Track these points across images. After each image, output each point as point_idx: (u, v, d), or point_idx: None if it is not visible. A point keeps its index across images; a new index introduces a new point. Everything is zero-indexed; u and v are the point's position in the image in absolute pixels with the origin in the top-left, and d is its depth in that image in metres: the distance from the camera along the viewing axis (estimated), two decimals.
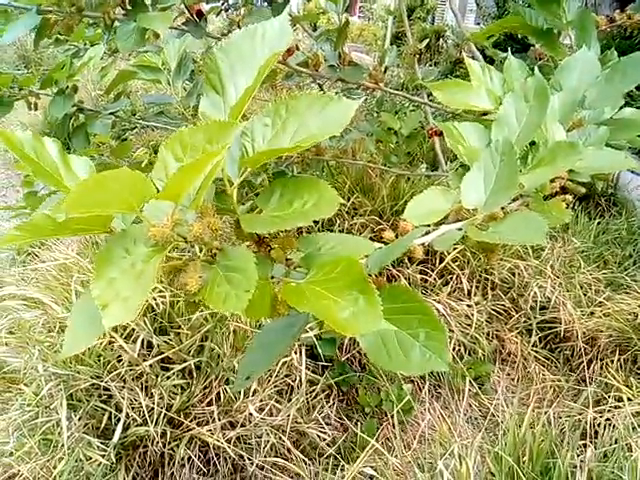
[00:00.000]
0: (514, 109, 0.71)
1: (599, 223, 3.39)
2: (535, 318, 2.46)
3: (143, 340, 1.41)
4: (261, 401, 1.63)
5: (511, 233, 0.54)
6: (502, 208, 0.67)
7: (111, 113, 1.47)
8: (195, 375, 1.52)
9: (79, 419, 1.44)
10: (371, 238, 2.35)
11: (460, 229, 0.62)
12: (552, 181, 0.76)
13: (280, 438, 1.67)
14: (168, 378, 1.44)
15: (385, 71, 1.59)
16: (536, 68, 0.72)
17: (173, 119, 1.66)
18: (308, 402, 1.95)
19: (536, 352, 2.45)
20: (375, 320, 0.38)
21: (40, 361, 1.36)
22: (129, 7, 1.10)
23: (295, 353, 1.67)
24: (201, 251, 0.41)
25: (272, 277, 0.46)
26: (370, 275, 0.59)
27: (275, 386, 1.71)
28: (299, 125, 0.42)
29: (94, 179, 0.31)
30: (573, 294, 2.52)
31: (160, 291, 1.46)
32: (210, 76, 0.45)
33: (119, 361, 1.43)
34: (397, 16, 5.10)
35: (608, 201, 3.99)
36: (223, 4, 2.31)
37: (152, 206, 0.41)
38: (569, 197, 0.73)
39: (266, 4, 2.08)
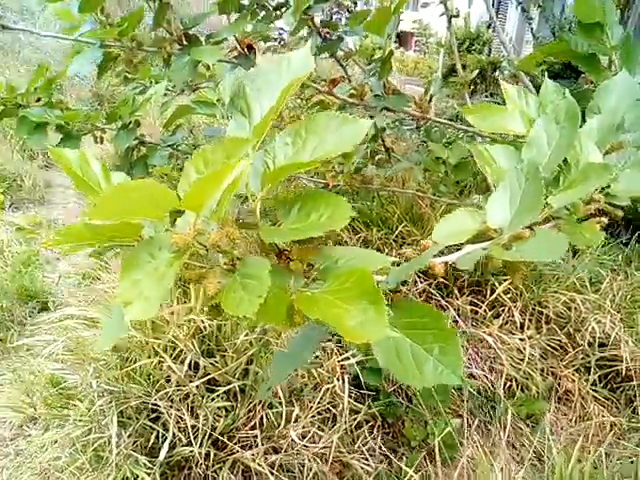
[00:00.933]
0: (545, 131, 0.71)
1: None
2: (594, 355, 2.34)
3: (191, 361, 1.46)
4: (303, 427, 1.63)
5: (532, 252, 0.54)
6: (531, 229, 0.67)
7: (169, 145, 1.56)
8: (240, 398, 1.55)
9: (128, 436, 1.49)
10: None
11: (485, 249, 0.62)
12: (588, 203, 0.75)
13: (322, 467, 1.66)
14: (213, 400, 1.48)
15: (430, 100, 1.61)
16: (567, 90, 0.72)
17: None
18: (352, 432, 1.93)
19: (595, 391, 2.32)
20: (381, 329, 0.40)
21: (94, 378, 1.43)
22: (185, 42, 1.18)
23: (338, 380, 1.67)
24: (224, 260, 0.44)
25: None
26: (391, 291, 0.60)
27: (318, 413, 1.71)
28: (318, 142, 0.45)
29: (118, 188, 0.35)
30: (635, 331, 2.39)
31: (208, 314, 1.51)
32: (238, 101, 0.49)
33: (168, 381, 1.48)
34: (448, 48, 5.13)
35: None
36: (280, 42, 2.42)
37: (181, 219, 0.44)
38: (604, 220, 0.72)
39: (320, 40, 2.17)
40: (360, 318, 0.41)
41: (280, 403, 1.58)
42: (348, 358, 1.78)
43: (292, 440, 1.60)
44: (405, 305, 0.52)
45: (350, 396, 2.02)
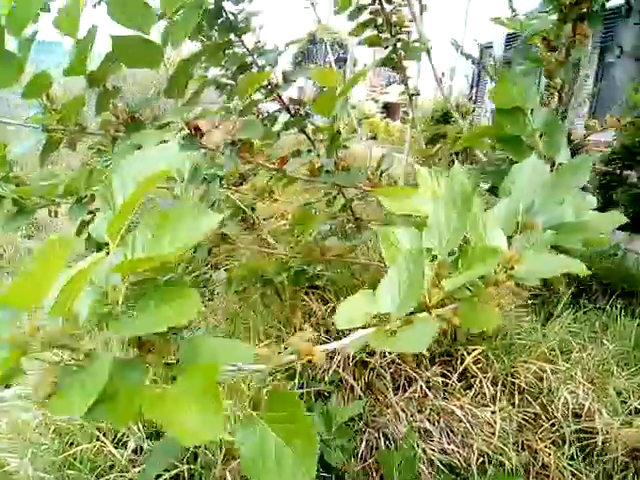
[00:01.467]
0: (443, 214, 0.73)
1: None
2: (568, 427, 2.28)
3: (135, 445, 1.41)
4: None
5: (402, 342, 0.54)
6: (429, 312, 0.67)
7: None
8: None
9: None
10: None
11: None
12: (495, 284, 0.75)
13: None
14: None
15: (381, 175, 1.66)
16: (457, 174, 0.75)
17: None
18: None
19: (572, 466, 2.24)
20: (216, 430, 0.39)
21: (31, 463, 1.37)
22: (130, 126, 1.22)
23: None
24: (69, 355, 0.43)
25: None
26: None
27: None
28: (173, 235, 0.46)
29: None
30: (609, 401, 2.34)
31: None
32: (104, 192, 0.50)
33: (111, 467, 1.41)
34: (425, 121, 5.35)
35: None
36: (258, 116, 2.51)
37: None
38: (503, 302, 0.72)
39: (289, 116, 2.26)
40: (199, 418, 0.40)
41: None
42: None
43: None
44: (276, 398, 0.51)
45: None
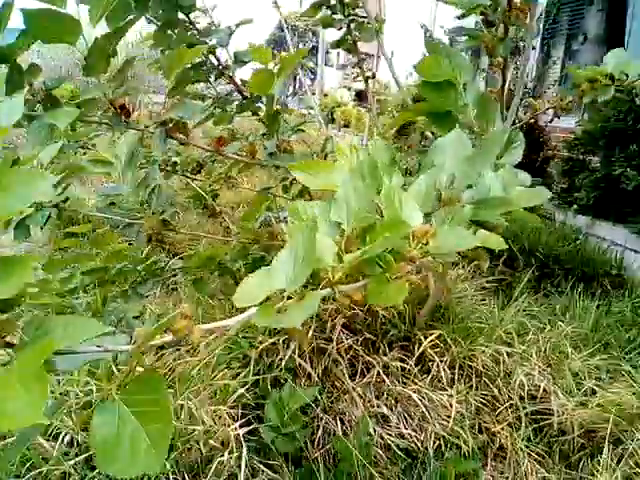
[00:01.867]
0: (352, 188, 0.69)
1: (599, 306, 3.26)
2: (524, 409, 2.30)
3: (66, 438, 1.35)
4: None
5: (286, 318, 0.50)
6: (332, 288, 0.64)
7: (54, 205, 1.51)
8: None
9: None
10: (344, 324, 2.26)
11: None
12: (405, 259, 0.72)
13: None
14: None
15: (326, 157, 1.62)
16: (376, 148, 0.71)
17: (125, 210, 1.70)
18: None
19: (529, 447, 2.26)
20: (35, 415, 0.35)
21: None
22: (48, 104, 1.16)
23: (231, 452, 1.56)
24: None
25: None
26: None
27: None
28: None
29: None
30: (565, 383, 2.37)
31: (86, 384, 1.42)
32: None
33: (44, 459, 1.36)
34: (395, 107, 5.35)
35: (613, 282, 3.86)
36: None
37: None
38: (413, 277, 0.69)
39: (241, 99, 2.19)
40: (22, 401, 0.36)
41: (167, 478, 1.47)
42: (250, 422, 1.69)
43: None
44: (139, 381, 0.47)
45: (266, 466, 1.92)
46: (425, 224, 0.74)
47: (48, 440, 1.32)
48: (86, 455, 1.37)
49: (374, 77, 2.56)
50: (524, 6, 1.18)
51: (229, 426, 1.57)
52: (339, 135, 10.50)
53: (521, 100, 1.76)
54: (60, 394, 1.54)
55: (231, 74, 2.15)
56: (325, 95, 16.28)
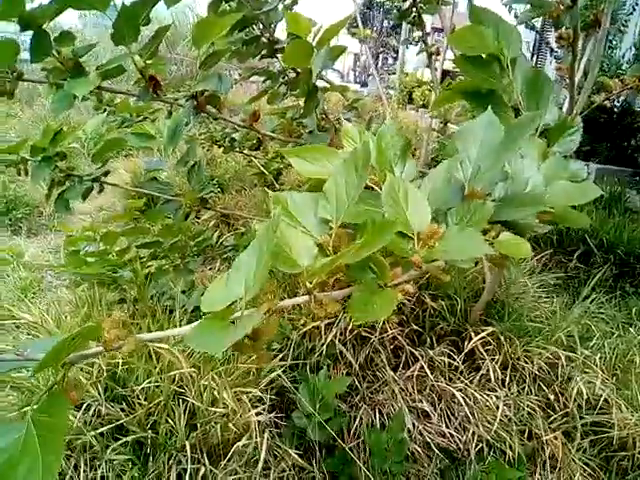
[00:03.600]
0: (344, 181, 0.60)
1: None
2: (581, 419, 2.11)
3: (95, 408, 1.37)
4: None
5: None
6: (311, 295, 0.56)
7: (94, 179, 1.51)
8: (150, 451, 1.44)
9: None
10: None
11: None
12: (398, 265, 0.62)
13: None
14: (116, 452, 1.38)
15: None
16: (370, 137, 0.61)
17: (164, 185, 1.68)
18: None
19: (583, 459, 2.09)
20: None
21: None
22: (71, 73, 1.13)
23: (253, 437, 1.53)
24: None
25: None
26: None
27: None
28: None
29: None
30: (630, 395, 2.15)
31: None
32: None
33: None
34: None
35: None
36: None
37: None
38: (409, 287, 0.59)
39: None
40: None
41: (198, 460, 1.46)
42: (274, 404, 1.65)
43: None
44: (52, 399, 0.41)
45: (300, 452, 1.88)
46: (434, 224, 0.64)
47: (71, 409, 1.34)
48: (110, 427, 1.38)
49: (438, 53, 2.39)
50: None
51: (255, 411, 1.53)
52: (415, 115, 10.15)
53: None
54: None
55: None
56: (406, 75, 15.83)
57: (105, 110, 1.97)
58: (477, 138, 0.74)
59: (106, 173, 1.55)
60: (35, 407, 0.40)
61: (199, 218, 4.11)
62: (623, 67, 5.04)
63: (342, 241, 0.60)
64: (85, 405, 1.37)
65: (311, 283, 0.55)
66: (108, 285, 2.13)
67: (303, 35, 1.20)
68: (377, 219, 0.57)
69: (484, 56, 0.92)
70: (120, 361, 1.44)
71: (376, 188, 0.70)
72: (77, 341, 0.42)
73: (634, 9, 5.52)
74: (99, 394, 1.39)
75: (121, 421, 1.44)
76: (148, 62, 1.20)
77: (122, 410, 1.47)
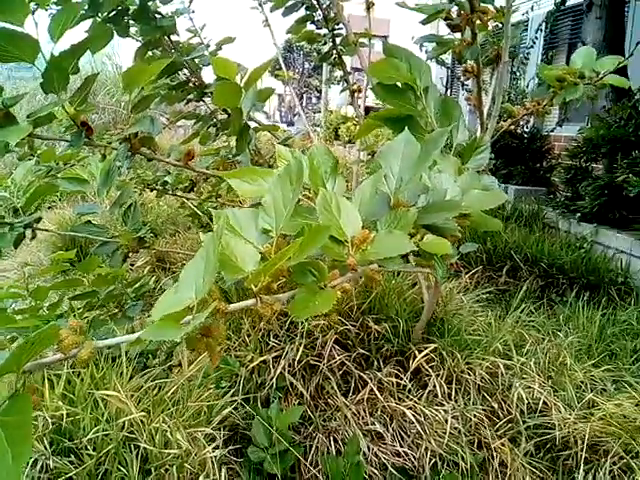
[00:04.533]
0: (281, 193, 0.66)
1: (604, 314, 3.17)
2: (524, 423, 2.22)
3: (38, 462, 1.32)
4: None
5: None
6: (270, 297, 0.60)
7: (26, 225, 1.50)
8: None
9: None
10: (336, 340, 2.22)
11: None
12: (341, 267, 0.69)
13: None
14: None
15: None
16: (298, 152, 0.69)
17: (100, 228, 1.68)
18: None
19: (532, 462, 2.18)
20: None
21: None
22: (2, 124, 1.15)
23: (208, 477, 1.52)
24: None
25: None
26: None
27: None
28: None
29: None
30: (566, 395, 2.29)
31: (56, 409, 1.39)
32: None
33: None
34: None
35: (619, 290, 3.77)
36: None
37: None
38: (346, 285, 0.66)
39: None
40: None
41: None
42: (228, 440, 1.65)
43: None
44: (18, 400, 0.44)
45: None
46: (365, 230, 0.71)
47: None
48: None
49: (360, 90, 2.55)
50: (485, 8, 1.16)
51: (210, 448, 1.52)
52: (343, 150, 10.53)
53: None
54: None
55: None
56: (330, 112, 16.36)
57: (29, 159, 1.96)
58: (397, 155, 0.83)
59: (38, 219, 1.54)
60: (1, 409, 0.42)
61: (133, 265, 4.04)
62: (528, 96, 5.51)
63: (280, 249, 0.65)
64: (32, 460, 1.31)
65: (256, 286, 0.60)
66: None
67: (230, 78, 1.27)
68: (313, 225, 0.63)
69: (400, 85, 1.03)
70: (65, 412, 1.40)
71: (310, 203, 0.77)
72: (36, 345, 0.44)
73: (534, 42, 6.07)
74: (45, 448, 1.34)
75: (70, 474, 1.39)
76: (79, 109, 1.24)
77: (71, 463, 1.42)
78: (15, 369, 0.43)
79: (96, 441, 1.42)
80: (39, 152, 1.75)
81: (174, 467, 1.43)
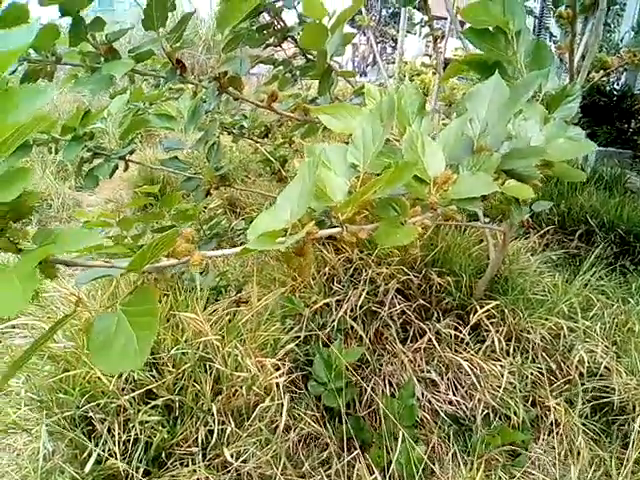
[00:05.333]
0: (370, 128, 0.69)
1: None
2: (583, 385, 2.21)
3: (122, 374, 1.47)
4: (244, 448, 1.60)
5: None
6: (345, 226, 0.65)
7: (121, 157, 1.60)
8: (178, 414, 1.54)
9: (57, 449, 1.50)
10: (398, 289, 2.26)
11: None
12: (423, 205, 0.71)
13: None
14: (148, 414, 1.48)
15: None
16: (406, 91, 0.70)
17: (185, 164, 1.77)
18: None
19: (586, 424, 2.18)
20: (20, 305, 0.39)
21: (22, 385, 1.46)
22: (109, 57, 1.22)
23: (274, 399, 1.63)
24: None
25: None
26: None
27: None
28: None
29: None
30: (630, 362, 2.24)
31: None
32: None
33: (102, 393, 1.49)
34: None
35: None
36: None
37: None
38: (427, 222, 0.68)
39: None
40: (13, 291, 0.40)
41: (222, 422, 1.56)
42: (291, 372, 1.75)
43: (233, 460, 1.57)
44: (139, 294, 0.51)
45: (315, 418, 1.98)
46: (448, 171, 0.73)
47: (106, 376, 1.44)
48: (140, 391, 1.48)
49: (443, 37, 2.47)
50: None
51: (277, 374, 1.63)
52: None
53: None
54: None
55: (296, 36, 2.15)
56: (405, 63, 15.83)
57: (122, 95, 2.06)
58: (485, 99, 0.83)
59: (132, 152, 1.64)
60: (123, 302, 0.49)
61: (206, 208, 4.21)
62: (622, 50, 5.11)
63: (366, 182, 0.69)
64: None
65: (342, 216, 0.64)
66: None
67: (319, 18, 1.28)
68: (399, 162, 0.66)
69: (491, 29, 1.01)
70: None
71: (395, 144, 0.79)
72: (159, 247, 0.51)
73: None
74: None
75: (151, 386, 1.53)
76: (175, 46, 1.29)
77: (152, 377, 1.57)
78: (138, 268, 0.49)
79: (175, 359, 1.56)
80: (130, 90, 1.83)
81: (243, 388, 1.55)
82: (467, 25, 1.18)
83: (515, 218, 0.80)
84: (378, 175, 0.68)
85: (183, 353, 1.56)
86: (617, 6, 5.21)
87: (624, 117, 5.02)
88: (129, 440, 1.50)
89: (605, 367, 2.20)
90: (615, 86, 4.93)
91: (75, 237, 0.49)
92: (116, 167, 1.58)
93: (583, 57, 1.92)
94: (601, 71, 1.58)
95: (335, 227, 0.65)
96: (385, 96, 0.79)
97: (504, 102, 0.82)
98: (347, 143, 0.74)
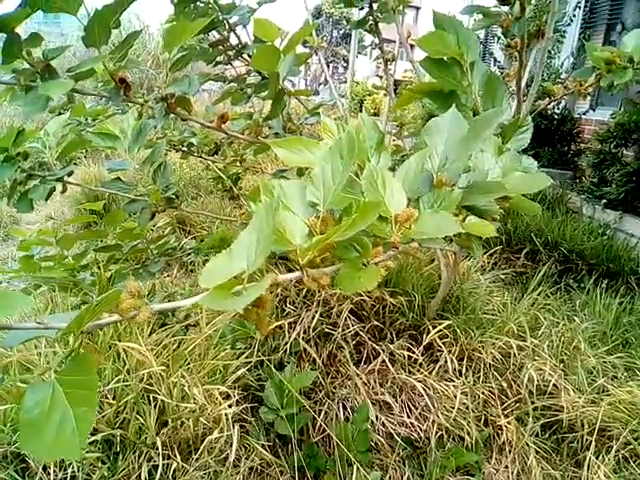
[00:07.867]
0: (330, 166, 0.66)
1: (621, 302, 3.15)
2: (533, 403, 2.24)
3: None
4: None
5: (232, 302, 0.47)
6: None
7: (58, 179, 1.50)
8: (119, 449, 1.45)
9: None
10: (351, 310, 2.23)
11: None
12: (385, 244, 0.69)
13: None
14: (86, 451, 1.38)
15: None
16: (364, 125, 0.67)
17: (129, 185, 1.69)
18: None
19: (537, 443, 2.21)
20: None
21: None
22: (46, 76, 1.14)
23: (223, 431, 1.56)
24: None
25: None
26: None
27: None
28: None
29: None
30: (577, 380, 2.30)
31: None
32: None
33: None
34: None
35: (639, 280, 3.73)
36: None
37: None
38: (389, 263, 0.66)
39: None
40: None
41: (168, 456, 1.48)
42: (241, 399, 1.69)
43: None
44: (78, 360, 0.45)
45: (267, 447, 1.92)
46: (410, 208, 0.70)
47: None
48: None
49: (394, 60, 2.50)
50: None
51: (226, 404, 1.56)
52: None
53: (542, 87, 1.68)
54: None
55: (250, 54, 2.12)
56: (357, 83, 16.07)
57: (60, 113, 1.96)
58: (443, 133, 0.82)
59: (70, 173, 1.55)
60: (59, 370, 0.43)
61: (154, 226, 4.08)
62: (562, 75, 5.36)
63: (328, 224, 0.65)
64: None
65: (303, 260, 0.60)
66: (69, 289, 2.10)
67: (271, 40, 1.25)
68: (361, 202, 0.63)
69: (446, 59, 1.00)
70: None
71: (354, 177, 0.76)
72: (99, 308, 0.45)
73: (572, 20, 5.87)
74: None
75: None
76: (119, 65, 1.22)
77: None
78: (76, 330, 0.44)
79: (116, 391, 1.47)
80: (69, 107, 1.75)
81: (190, 420, 1.47)
82: (417, 49, 1.18)
83: (476, 253, 0.78)
84: (343, 212, 0.65)
85: (125, 384, 1.47)
86: (558, 33, 5.47)
87: (565, 140, 5.24)
88: (66, 478, 1.40)
89: (554, 385, 2.24)
90: (556, 110, 5.15)
91: (4, 301, 0.43)
92: (53, 189, 1.49)
93: (527, 85, 1.99)
94: (547, 98, 1.62)
95: (293, 271, 0.61)
96: (343, 132, 0.76)
97: (462, 136, 0.81)
98: (302, 175, 0.71)
